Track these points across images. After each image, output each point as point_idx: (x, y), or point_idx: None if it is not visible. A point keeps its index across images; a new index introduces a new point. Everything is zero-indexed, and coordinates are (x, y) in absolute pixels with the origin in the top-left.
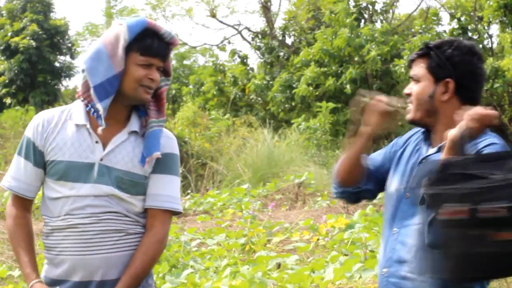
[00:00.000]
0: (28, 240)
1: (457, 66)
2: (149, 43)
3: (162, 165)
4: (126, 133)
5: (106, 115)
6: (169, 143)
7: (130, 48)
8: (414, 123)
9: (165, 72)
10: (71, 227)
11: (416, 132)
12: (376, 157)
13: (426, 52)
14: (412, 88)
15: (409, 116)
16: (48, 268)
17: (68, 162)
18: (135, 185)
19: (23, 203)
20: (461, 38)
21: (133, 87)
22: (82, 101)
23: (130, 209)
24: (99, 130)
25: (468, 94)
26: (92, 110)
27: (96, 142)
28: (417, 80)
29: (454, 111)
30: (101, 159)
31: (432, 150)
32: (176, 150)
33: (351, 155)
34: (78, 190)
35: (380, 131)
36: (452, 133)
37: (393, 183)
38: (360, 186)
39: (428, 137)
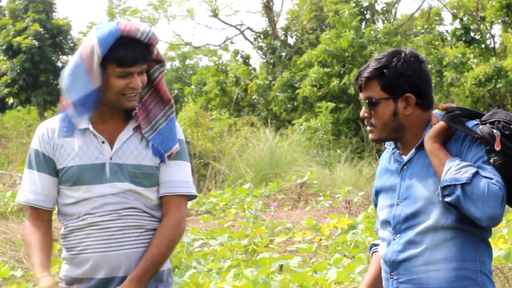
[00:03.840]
0: (41, 243)
1: (411, 79)
2: (123, 54)
3: None
4: (130, 130)
5: (89, 125)
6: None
7: (106, 59)
8: (379, 141)
9: (157, 61)
10: (92, 225)
11: (381, 160)
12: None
13: (375, 74)
14: (370, 111)
15: (374, 136)
16: (68, 267)
17: (79, 166)
18: (148, 177)
19: (41, 215)
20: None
21: (115, 98)
22: (62, 113)
23: (147, 203)
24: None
25: (426, 102)
26: (66, 122)
27: (103, 142)
28: (374, 103)
29: (418, 120)
30: (111, 158)
31: (411, 153)
32: (182, 136)
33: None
34: (94, 191)
35: None
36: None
37: (384, 200)
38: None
39: (397, 146)
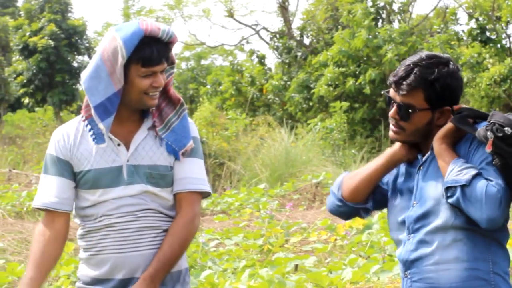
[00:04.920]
0: (41, 255)
1: (455, 93)
2: (149, 53)
3: None
4: (145, 130)
5: (110, 129)
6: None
7: (130, 60)
8: (403, 143)
9: (169, 62)
10: (108, 226)
11: None
12: None
13: (423, 86)
14: (403, 115)
15: (399, 138)
16: (84, 267)
17: (96, 170)
18: (163, 177)
19: (57, 220)
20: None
21: (138, 97)
22: (82, 118)
23: (163, 204)
24: (102, 146)
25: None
26: (89, 127)
27: (118, 145)
28: (413, 111)
29: (444, 125)
30: (128, 160)
31: (427, 155)
32: (196, 133)
33: (371, 175)
34: (111, 194)
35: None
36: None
37: (397, 199)
38: (364, 204)
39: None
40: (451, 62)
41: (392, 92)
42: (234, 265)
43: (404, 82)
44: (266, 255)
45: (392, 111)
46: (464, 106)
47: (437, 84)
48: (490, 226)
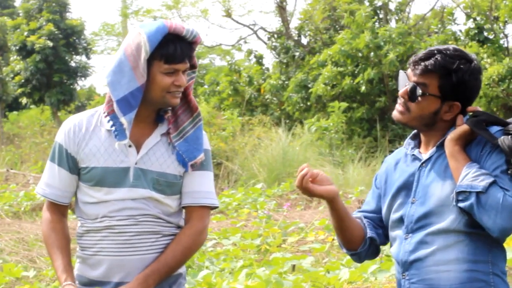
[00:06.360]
0: (62, 243)
1: (469, 91)
2: (172, 50)
3: None
4: (158, 135)
5: (131, 127)
6: None
7: (153, 56)
8: (405, 125)
9: (191, 65)
10: (109, 228)
11: (392, 156)
12: (369, 200)
13: (441, 71)
14: (413, 95)
15: (402, 119)
16: (82, 267)
17: (104, 168)
18: (170, 185)
19: (58, 209)
20: (469, 54)
21: (161, 95)
22: (104, 114)
23: (165, 210)
24: (124, 142)
25: (465, 112)
26: (111, 123)
27: (129, 146)
28: (423, 93)
29: (450, 122)
30: (136, 163)
31: (431, 151)
32: (208, 145)
33: (334, 224)
34: (115, 194)
35: (329, 193)
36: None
37: (392, 196)
38: (366, 240)
39: (416, 145)
40: (475, 62)
41: (409, 71)
42: (231, 265)
43: (423, 63)
44: (264, 255)
45: (402, 90)
46: (479, 109)
47: (455, 75)
48: (502, 235)
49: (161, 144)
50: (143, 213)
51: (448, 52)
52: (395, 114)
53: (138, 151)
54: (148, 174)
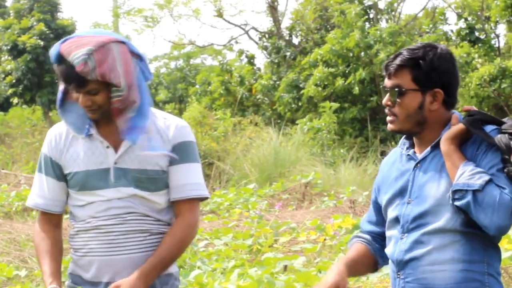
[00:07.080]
0: (51, 250)
1: (444, 75)
2: (59, 70)
3: (179, 155)
4: None
5: (97, 128)
6: (181, 132)
7: None
8: (399, 132)
9: (107, 86)
10: (96, 228)
11: (387, 158)
12: (371, 214)
13: (409, 63)
14: (394, 100)
15: (394, 127)
16: (76, 268)
17: (85, 171)
18: (153, 181)
19: (51, 219)
20: (435, 43)
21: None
22: None
23: (153, 207)
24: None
25: (452, 100)
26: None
27: (107, 147)
28: (402, 92)
29: (440, 118)
30: (115, 163)
31: (426, 151)
32: (190, 137)
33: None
34: (100, 196)
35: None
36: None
37: (389, 197)
38: (378, 260)
39: (411, 145)
40: (441, 47)
41: (385, 81)
42: (223, 265)
43: (392, 64)
44: (255, 255)
45: (385, 99)
46: (475, 109)
47: (423, 63)
48: (498, 233)
49: (139, 142)
50: (129, 211)
51: (414, 47)
52: (388, 125)
53: (116, 151)
54: (128, 173)
